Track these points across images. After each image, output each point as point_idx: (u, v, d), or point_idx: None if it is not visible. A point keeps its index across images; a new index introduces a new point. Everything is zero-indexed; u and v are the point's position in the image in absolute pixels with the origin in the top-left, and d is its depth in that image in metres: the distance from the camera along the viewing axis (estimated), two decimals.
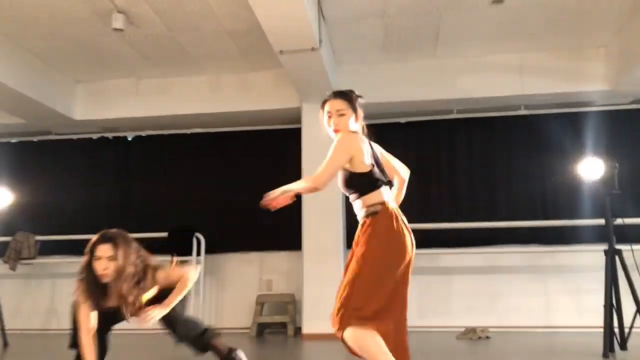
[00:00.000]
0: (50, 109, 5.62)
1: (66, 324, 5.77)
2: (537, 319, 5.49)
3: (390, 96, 5.56)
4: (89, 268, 2.69)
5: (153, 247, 5.75)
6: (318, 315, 5.25)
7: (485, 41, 5.20)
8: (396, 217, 2.39)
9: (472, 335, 4.99)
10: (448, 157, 5.89)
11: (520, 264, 5.63)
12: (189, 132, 6.38)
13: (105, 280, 2.69)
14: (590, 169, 3.97)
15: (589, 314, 5.28)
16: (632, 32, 4.85)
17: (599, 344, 3.87)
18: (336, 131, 2.51)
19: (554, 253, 5.56)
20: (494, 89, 5.50)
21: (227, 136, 6.27)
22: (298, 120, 5.90)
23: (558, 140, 5.63)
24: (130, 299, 2.71)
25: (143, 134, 6.44)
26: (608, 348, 3.79)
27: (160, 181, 6.22)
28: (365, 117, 5.94)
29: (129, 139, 6.47)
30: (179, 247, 5.68)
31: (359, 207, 2.46)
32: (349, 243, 5.39)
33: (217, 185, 6.14)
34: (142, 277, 2.79)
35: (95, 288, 2.70)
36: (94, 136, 6.52)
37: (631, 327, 3.87)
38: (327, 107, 2.56)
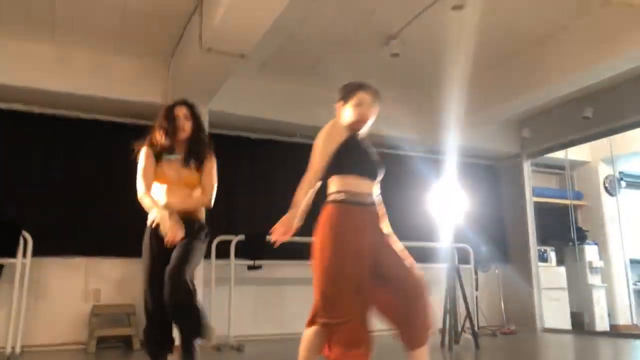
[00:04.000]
0: None
1: None
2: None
3: (256, 111, 5.82)
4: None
5: None
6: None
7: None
8: None
9: None
10: (290, 176, 6.31)
11: None
12: (3, 107, 5.19)
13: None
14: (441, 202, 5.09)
15: None
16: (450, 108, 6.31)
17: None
18: (365, 121, 2.55)
19: None
20: None
21: (66, 121, 5.35)
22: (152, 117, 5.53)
23: (398, 175, 6.59)
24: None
25: None
26: (446, 341, 4.86)
27: None
28: (225, 127, 6.18)
29: None
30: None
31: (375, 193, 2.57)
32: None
33: (40, 176, 5.17)
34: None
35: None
36: None
37: (463, 326, 5.07)
38: (362, 96, 2.55)
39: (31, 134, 5.26)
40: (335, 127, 2.55)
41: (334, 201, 2.46)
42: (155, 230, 2.82)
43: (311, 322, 2.41)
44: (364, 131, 2.62)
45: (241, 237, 5.48)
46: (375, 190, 2.55)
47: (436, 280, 5.47)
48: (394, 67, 5.58)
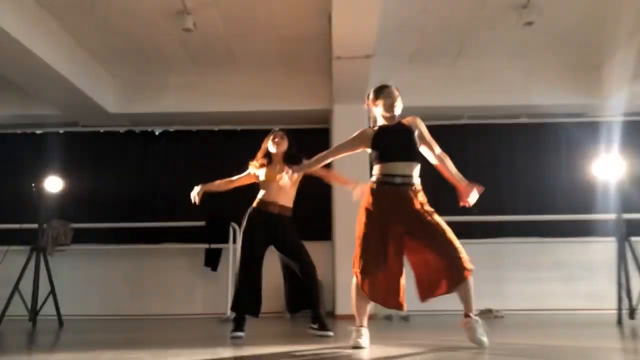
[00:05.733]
0: (90, 100, 5.85)
1: (89, 310, 6.05)
2: (534, 302, 6.20)
3: (412, 101, 6.16)
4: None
5: (190, 235, 6.17)
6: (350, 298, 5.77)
7: (500, 55, 5.91)
8: None
9: (490, 315, 5.65)
10: (458, 159, 6.51)
11: (520, 254, 6.35)
12: (216, 129, 6.73)
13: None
14: (607, 167, 4.74)
15: (579, 298, 6.11)
16: (619, 61, 5.73)
17: (603, 319, 4.62)
18: (393, 108, 3.15)
19: (550, 244, 6.31)
20: (502, 98, 6.24)
21: (256, 133, 6.62)
22: (325, 120, 6.44)
23: (554, 145, 6.44)
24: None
25: (171, 128, 6.72)
26: (620, 318, 4.53)
27: (192, 174, 6.51)
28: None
29: (156, 133, 6.74)
30: (216, 235, 6.03)
31: (415, 175, 3.09)
32: None
33: None
34: None
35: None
36: (122, 129, 6.74)
37: (638, 301, 4.65)
38: (388, 92, 3.20)
39: (236, 147, 6.66)
40: (362, 133, 3.26)
41: (370, 182, 3.15)
42: (259, 214, 3.76)
43: None
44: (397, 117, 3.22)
45: None
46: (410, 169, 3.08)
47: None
48: (546, 34, 5.37)
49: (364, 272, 2.94)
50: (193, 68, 6.12)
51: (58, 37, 5.17)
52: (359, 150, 3.30)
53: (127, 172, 6.60)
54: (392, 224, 3.00)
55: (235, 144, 6.68)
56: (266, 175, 3.87)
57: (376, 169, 3.15)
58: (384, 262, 2.94)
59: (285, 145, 3.97)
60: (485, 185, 6.46)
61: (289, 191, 3.92)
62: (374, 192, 3.09)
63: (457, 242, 2.95)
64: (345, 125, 6.17)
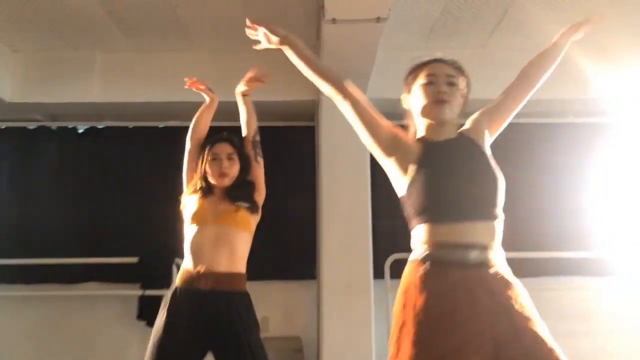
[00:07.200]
0: None
1: None
2: None
3: None
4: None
5: (121, 275, 4.49)
6: None
7: (554, 29, 4.29)
8: None
9: None
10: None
11: (568, 298, 4.79)
12: (161, 126, 5.00)
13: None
14: None
15: None
16: None
17: None
18: (442, 101, 1.83)
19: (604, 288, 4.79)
20: (549, 89, 4.58)
21: (215, 132, 4.92)
22: (308, 117, 4.82)
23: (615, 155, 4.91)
24: None
25: (100, 125, 4.97)
26: None
27: (124, 189, 4.80)
28: (391, 116, 4.56)
29: (80, 130, 4.99)
30: (153, 277, 4.31)
31: (497, 242, 1.71)
32: (376, 273, 4.37)
33: None
34: None
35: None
36: (30, 125, 4.96)
37: None
38: (433, 71, 1.87)
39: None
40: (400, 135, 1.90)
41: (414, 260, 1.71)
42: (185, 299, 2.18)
43: None
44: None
45: None
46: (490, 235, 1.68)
47: None
48: None
49: None
50: (125, 41, 4.39)
51: None
52: (377, 150, 1.90)
53: (36, 186, 4.80)
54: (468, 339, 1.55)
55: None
56: (198, 214, 2.33)
57: (422, 231, 1.72)
58: None
59: (235, 170, 2.42)
60: (519, 212, 4.93)
61: (241, 236, 2.33)
62: (426, 280, 1.62)
63: None
64: (338, 123, 4.39)
